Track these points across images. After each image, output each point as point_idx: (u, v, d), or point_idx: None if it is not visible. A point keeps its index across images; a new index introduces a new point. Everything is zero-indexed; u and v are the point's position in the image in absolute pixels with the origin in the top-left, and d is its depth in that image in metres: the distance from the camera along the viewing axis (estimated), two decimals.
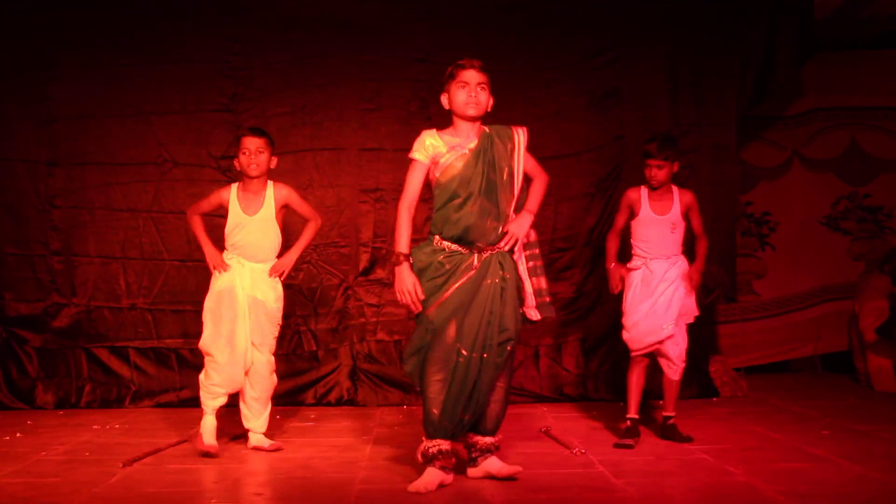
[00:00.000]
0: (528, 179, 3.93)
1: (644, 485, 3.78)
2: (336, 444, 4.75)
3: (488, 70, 3.87)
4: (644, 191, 4.83)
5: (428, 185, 6.16)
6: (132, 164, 6.05)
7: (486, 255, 3.77)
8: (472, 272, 3.74)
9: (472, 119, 3.82)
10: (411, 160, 3.87)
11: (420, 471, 3.78)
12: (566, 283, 6.20)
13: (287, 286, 4.67)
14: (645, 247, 4.81)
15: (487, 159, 3.78)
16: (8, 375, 5.96)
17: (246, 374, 4.53)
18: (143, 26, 6.06)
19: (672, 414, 4.79)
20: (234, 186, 4.63)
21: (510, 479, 3.81)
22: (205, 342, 4.53)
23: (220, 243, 4.64)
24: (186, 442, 4.69)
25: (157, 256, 6.03)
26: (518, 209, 3.86)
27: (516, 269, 3.84)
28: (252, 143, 4.53)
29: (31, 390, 5.95)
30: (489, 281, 3.74)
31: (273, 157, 4.61)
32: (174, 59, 6.07)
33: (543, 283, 3.92)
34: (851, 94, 7.38)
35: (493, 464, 3.86)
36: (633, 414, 4.74)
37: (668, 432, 4.76)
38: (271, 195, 4.59)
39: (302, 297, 5.99)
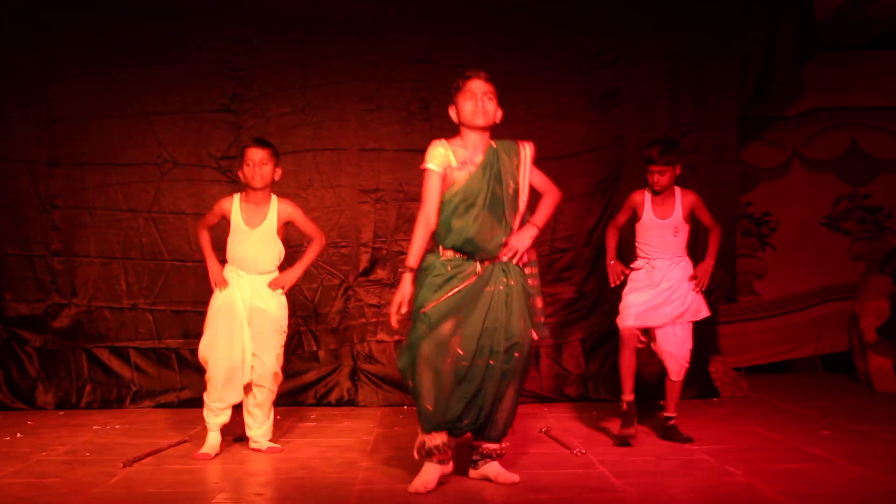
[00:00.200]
0: (539, 195, 3.96)
1: (644, 485, 3.78)
2: (336, 444, 4.75)
3: (495, 80, 3.86)
4: (647, 194, 4.85)
5: None
6: (132, 165, 6.06)
7: (487, 263, 3.77)
8: (474, 278, 3.75)
9: (481, 129, 3.83)
10: (425, 170, 3.84)
11: (418, 468, 3.78)
12: (566, 283, 6.20)
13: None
14: (648, 249, 4.85)
15: (493, 173, 3.79)
16: (8, 376, 5.97)
17: (249, 383, 4.53)
18: (144, 26, 6.06)
19: (673, 415, 4.80)
20: (237, 197, 4.61)
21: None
22: (201, 355, 4.53)
23: (223, 253, 4.64)
24: (187, 442, 4.69)
25: (158, 257, 6.03)
26: (523, 223, 3.88)
27: (523, 276, 3.83)
28: (256, 155, 4.51)
29: (32, 390, 5.96)
30: (491, 288, 3.74)
31: (277, 169, 4.58)
32: (174, 60, 6.07)
33: (539, 302, 3.93)
34: (852, 94, 7.38)
35: (492, 469, 3.86)
36: (628, 395, 4.73)
37: (668, 433, 4.76)
38: (275, 210, 4.56)
39: (302, 297, 5.99)
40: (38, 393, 5.95)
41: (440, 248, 3.82)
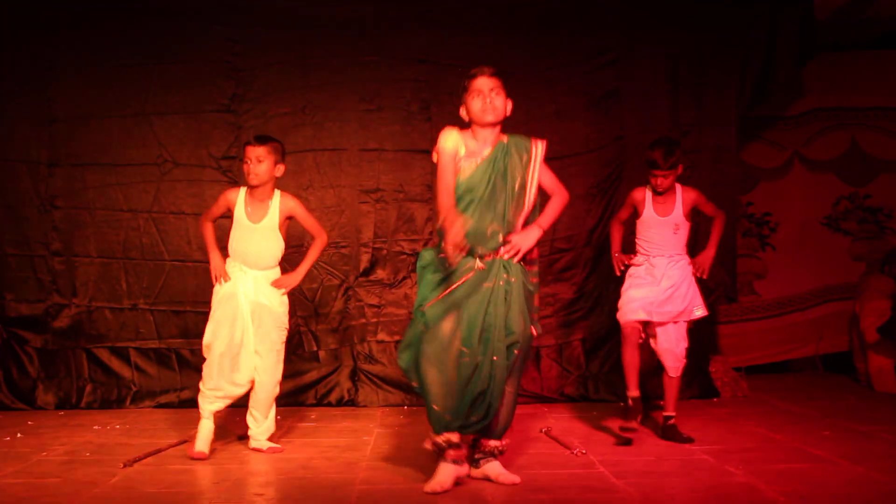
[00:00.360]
0: (547, 196, 3.96)
1: (645, 485, 3.78)
2: (337, 444, 4.75)
3: (501, 74, 3.86)
4: (648, 192, 4.85)
5: (428, 187, 6.20)
6: (133, 165, 6.06)
7: (488, 259, 3.77)
8: (472, 274, 3.74)
9: (492, 125, 3.82)
10: (438, 153, 3.80)
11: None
12: (567, 283, 6.20)
13: None
14: (648, 246, 4.86)
15: (498, 168, 3.79)
16: (9, 376, 5.96)
17: (251, 381, 4.53)
18: (144, 27, 6.06)
19: (672, 414, 4.80)
20: (243, 190, 4.60)
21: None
22: (204, 344, 4.53)
23: (226, 250, 4.65)
24: (187, 442, 4.69)
25: (158, 257, 6.03)
26: (529, 223, 3.88)
27: (524, 273, 3.83)
28: (252, 152, 4.50)
29: (32, 391, 5.96)
30: (491, 283, 3.73)
31: (280, 165, 4.57)
32: (175, 60, 6.07)
33: (536, 300, 3.95)
34: (852, 94, 7.38)
35: (493, 468, 3.86)
36: (633, 391, 4.71)
37: (668, 433, 4.76)
38: (277, 205, 4.57)
39: (302, 297, 5.99)
40: (38, 393, 5.95)
41: (442, 243, 3.81)
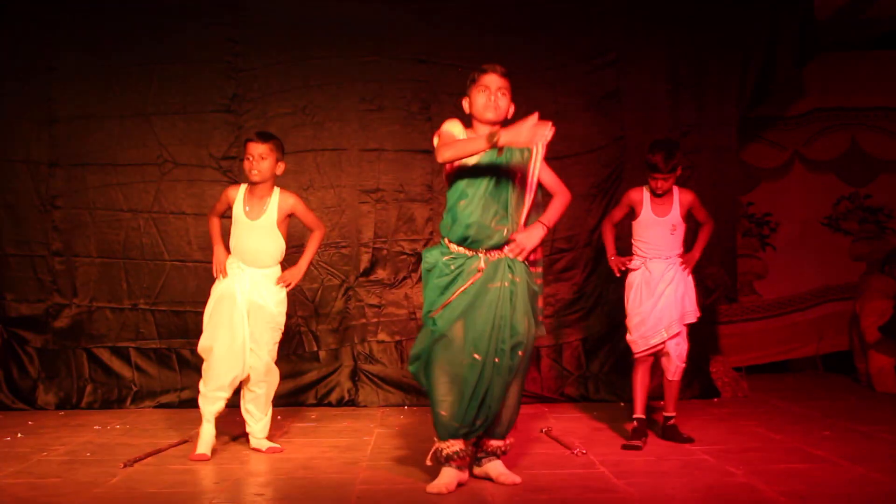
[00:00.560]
0: (548, 195, 3.96)
1: (645, 485, 3.78)
2: (337, 444, 4.75)
3: (510, 76, 3.86)
4: (646, 193, 4.84)
5: (429, 187, 6.21)
6: (133, 165, 6.06)
7: (493, 258, 3.77)
8: (479, 275, 3.73)
9: (491, 123, 3.81)
10: (440, 135, 3.77)
11: (435, 470, 3.78)
12: (567, 283, 6.20)
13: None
14: (645, 247, 4.84)
15: (500, 162, 3.78)
16: (9, 376, 5.96)
17: (246, 379, 4.53)
18: (144, 27, 6.06)
19: (673, 414, 4.80)
20: (243, 187, 4.61)
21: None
22: (202, 346, 4.53)
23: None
24: (187, 442, 4.69)
25: (158, 257, 6.03)
26: (531, 222, 3.88)
27: (529, 274, 3.83)
28: (255, 149, 4.50)
29: (33, 391, 5.96)
30: (497, 284, 3.72)
31: (280, 163, 4.57)
32: (175, 60, 6.07)
33: (540, 301, 3.95)
34: (852, 94, 7.38)
35: (495, 468, 3.86)
36: (639, 414, 4.74)
37: (668, 433, 4.76)
38: (276, 202, 4.57)
39: (303, 297, 5.99)
40: (38, 393, 5.95)
41: (446, 240, 3.81)
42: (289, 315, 4.68)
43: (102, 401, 5.96)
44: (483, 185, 3.75)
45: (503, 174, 3.78)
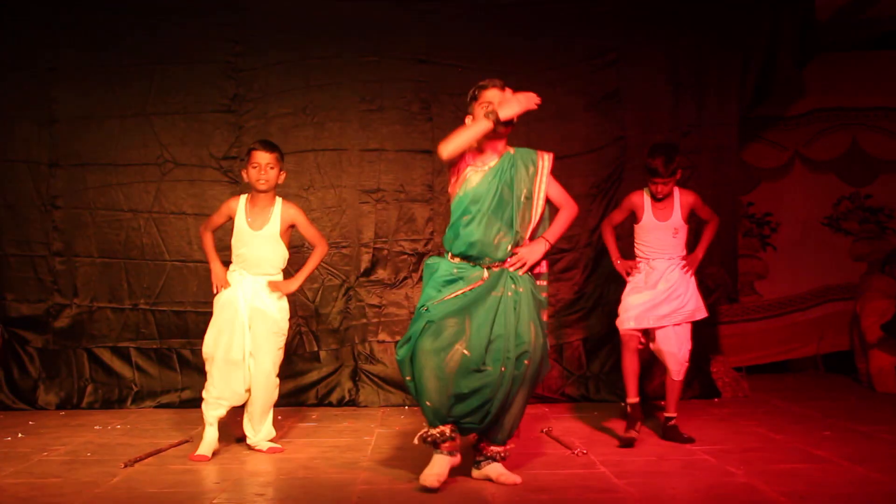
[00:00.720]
0: (555, 209, 3.97)
1: (645, 485, 3.78)
2: (337, 444, 4.75)
3: (510, 78, 3.89)
4: (646, 197, 4.84)
5: (429, 187, 6.20)
6: (133, 165, 6.06)
7: (495, 269, 3.78)
8: (481, 282, 3.76)
9: (498, 137, 3.83)
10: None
11: (420, 467, 3.77)
12: (567, 283, 6.20)
13: None
14: (647, 250, 4.85)
15: (505, 179, 3.80)
16: (10, 376, 5.97)
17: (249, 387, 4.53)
18: (145, 27, 6.07)
19: (673, 415, 4.80)
20: (244, 198, 4.61)
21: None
22: (205, 352, 4.54)
23: (224, 255, 4.64)
24: (188, 442, 4.69)
25: (159, 257, 6.04)
26: (536, 237, 3.90)
27: (533, 284, 3.84)
28: (263, 158, 4.50)
29: (33, 391, 5.96)
30: (499, 293, 3.74)
31: (282, 172, 4.59)
32: (176, 60, 6.08)
33: (545, 315, 3.96)
34: (852, 94, 7.38)
35: (494, 469, 3.87)
36: (632, 398, 4.73)
37: (669, 433, 4.76)
38: (278, 213, 4.56)
39: (303, 297, 5.99)
40: (39, 393, 5.95)
41: (449, 254, 3.84)
42: (289, 317, 4.67)
43: (103, 401, 5.96)
44: (486, 203, 3.77)
45: (508, 191, 3.79)
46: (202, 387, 4.57)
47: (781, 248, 7.45)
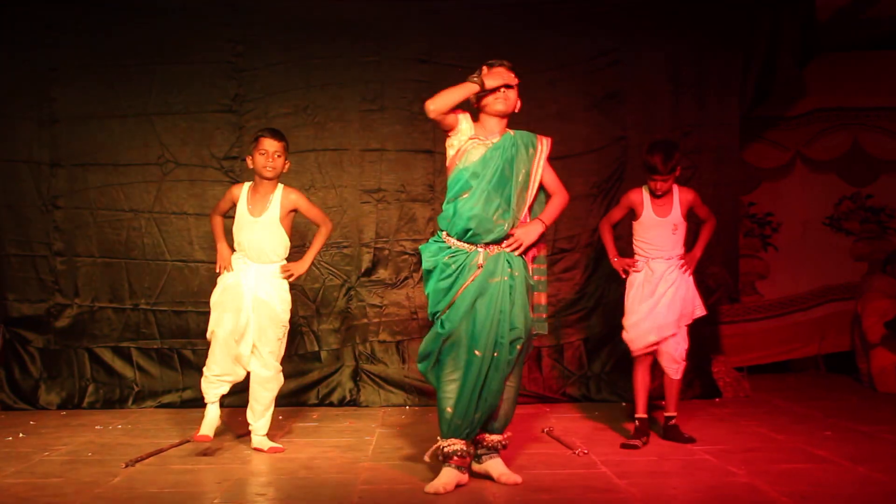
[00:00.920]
0: (548, 195, 3.98)
1: (646, 485, 3.78)
2: (338, 444, 4.75)
3: (518, 71, 3.90)
4: (646, 194, 4.84)
5: (430, 187, 6.20)
6: (134, 165, 6.06)
7: (492, 252, 3.78)
8: (479, 271, 3.75)
9: (501, 115, 3.87)
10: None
11: (435, 470, 3.79)
12: (568, 283, 6.20)
13: (290, 286, 4.68)
14: (646, 247, 4.84)
15: (505, 157, 3.81)
16: (11, 376, 5.97)
17: (251, 381, 4.54)
18: (146, 27, 6.07)
19: (674, 414, 4.80)
20: (247, 185, 4.65)
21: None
22: (209, 331, 4.54)
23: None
24: (189, 442, 4.69)
25: (160, 257, 6.04)
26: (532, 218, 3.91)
27: (526, 268, 3.85)
28: (271, 146, 4.54)
29: (34, 390, 5.96)
30: (497, 279, 3.75)
31: (287, 162, 4.62)
32: (176, 60, 6.07)
33: (543, 299, 3.99)
34: (853, 94, 7.38)
35: (496, 466, 3.87)
36: (641, 413, 4.74)
37: (670, 433, 4.76)
38: (279, 199, 4.58)
39: (304, 297, 6.00)
40: (40, 393, 5.95)
41: (444, 234, 3.82)
42: (290, 315, 4.68)
43: (104, 401, 5.96)
44: (487, 178, 3.77)
45: (508, 169, 3.80)
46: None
47: (782, 248, 7.46)
